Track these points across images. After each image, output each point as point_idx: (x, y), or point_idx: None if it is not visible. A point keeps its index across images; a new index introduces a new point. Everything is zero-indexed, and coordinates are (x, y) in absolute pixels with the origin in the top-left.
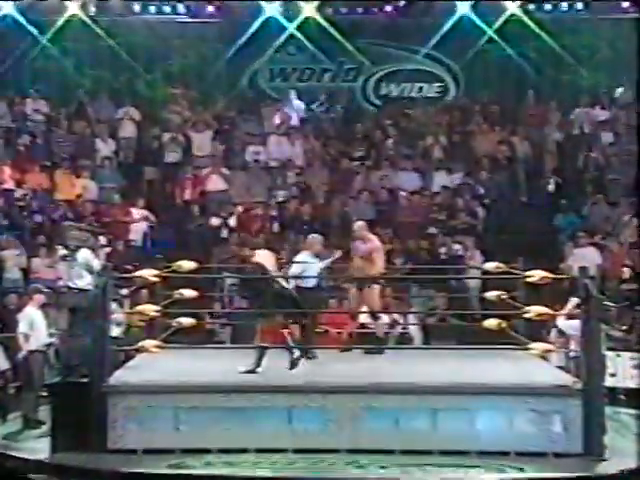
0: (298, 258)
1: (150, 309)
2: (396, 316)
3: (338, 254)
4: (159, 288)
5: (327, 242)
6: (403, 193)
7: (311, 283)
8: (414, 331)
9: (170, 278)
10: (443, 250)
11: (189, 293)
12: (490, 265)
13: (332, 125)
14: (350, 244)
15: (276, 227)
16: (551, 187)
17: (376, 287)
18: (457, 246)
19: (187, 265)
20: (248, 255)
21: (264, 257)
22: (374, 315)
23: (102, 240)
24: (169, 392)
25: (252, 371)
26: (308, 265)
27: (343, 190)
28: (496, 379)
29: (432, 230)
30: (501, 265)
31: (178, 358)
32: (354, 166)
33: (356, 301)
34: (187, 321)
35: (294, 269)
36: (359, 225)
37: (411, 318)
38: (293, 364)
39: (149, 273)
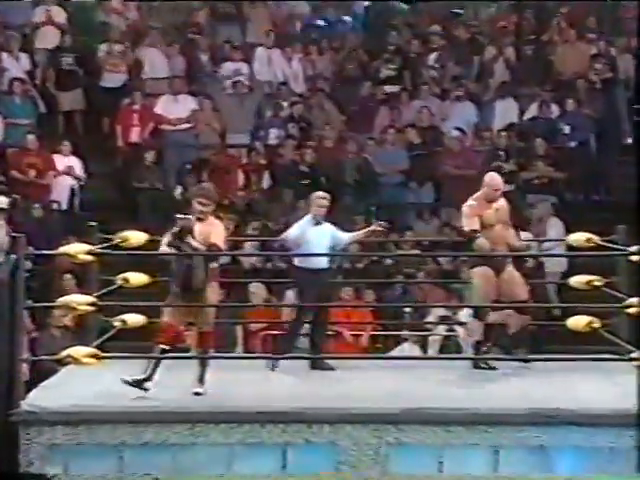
0: (294, 226)
1: (81, 302)
2: (441, 311)
3: (377, 226)
4: (94, 271)
5: (337, 204)
6: (452, 132)
7: (322, 263)
8: (463, 334)
9: (110, 257)
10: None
11: (137, 278)
12: (577, 237)
13: (347, 34)
14: (467, 206)
15: (265, 182)
16: None
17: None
18: (536, 212)
19: (135, 238)
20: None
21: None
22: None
23: (5, 201)
24: (108, 422)
25: (139, 384)
26: (310, 237)
27: (362, 128)
28: (584, 403)
29: None
30: (594, 237)
31: (122, 373)
32: (379, 93)
33: (485, 292)
34: (134, 319)
35: (292, 238)
36: (494, 177)
37: (461, 315)
38: (138, 383)
39: (79, 249)
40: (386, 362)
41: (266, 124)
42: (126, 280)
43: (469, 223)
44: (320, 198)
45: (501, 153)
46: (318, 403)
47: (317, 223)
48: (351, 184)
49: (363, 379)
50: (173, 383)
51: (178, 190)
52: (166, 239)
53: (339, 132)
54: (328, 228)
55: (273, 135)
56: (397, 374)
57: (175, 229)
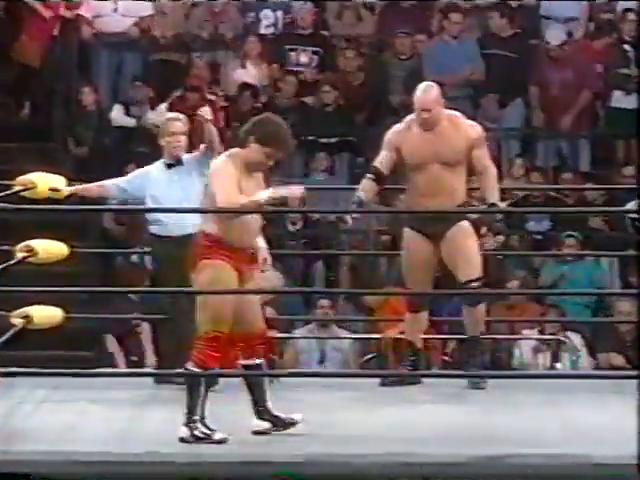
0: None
1: None
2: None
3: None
4: None
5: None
6: (554, 18)
7: (186, 228)
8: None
9: (6, 213)
10: None
11: (50, 248)
12: None
13: None
14: None
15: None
16: None
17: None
18: None
19: (46, 184)
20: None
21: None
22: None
23: None
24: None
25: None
26: (156, 189)
27: (410, 12)
28: None
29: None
30: None
31: (30, 398)
32: None
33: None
34: (45, 314)
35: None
36: (425, 91)
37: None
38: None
39: None
40: (439, 382)
41: (254, 3)
42: (32, 251)
43: None
44: (172, 120)
45: (629, 49)
46: (334, 447)
47: (170, 165)
48: (395, 98)
49: (404, 409)
50: (111, 415)
51: (117, 110)
52: None
53: (375, 35)
54: (193, 167)
55: (267, 21)
56: (459, 402)
57: None
